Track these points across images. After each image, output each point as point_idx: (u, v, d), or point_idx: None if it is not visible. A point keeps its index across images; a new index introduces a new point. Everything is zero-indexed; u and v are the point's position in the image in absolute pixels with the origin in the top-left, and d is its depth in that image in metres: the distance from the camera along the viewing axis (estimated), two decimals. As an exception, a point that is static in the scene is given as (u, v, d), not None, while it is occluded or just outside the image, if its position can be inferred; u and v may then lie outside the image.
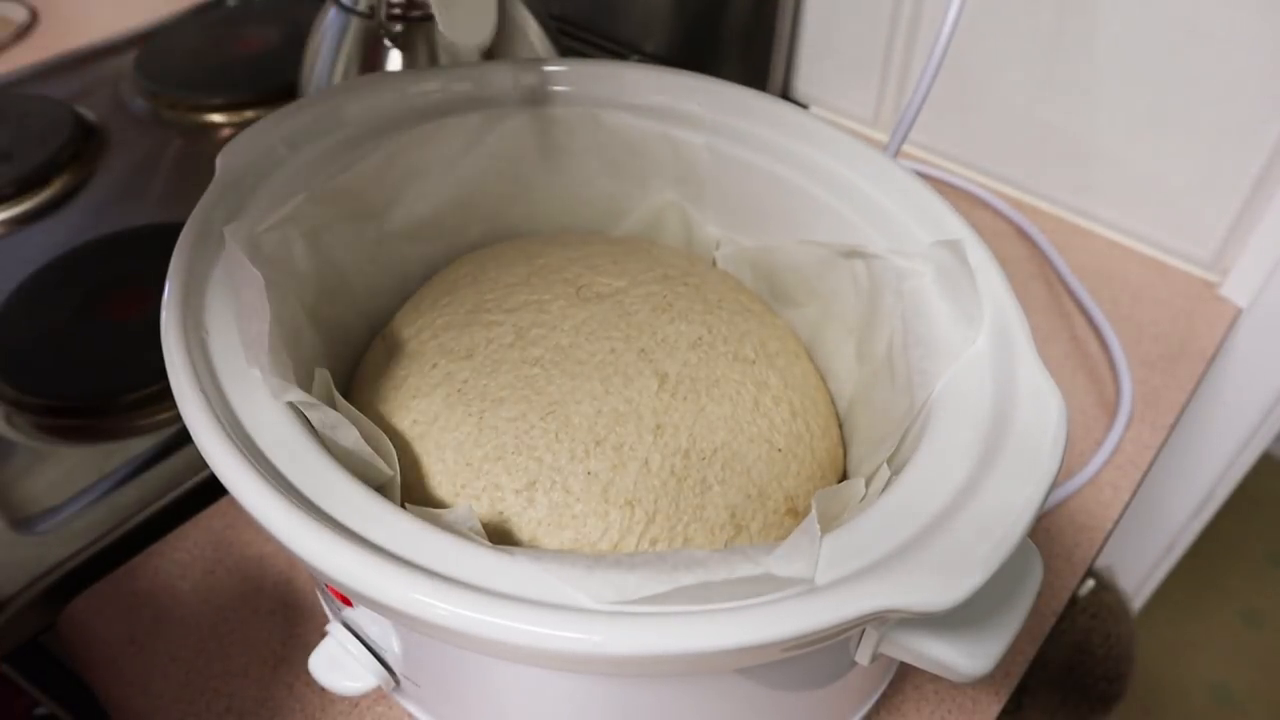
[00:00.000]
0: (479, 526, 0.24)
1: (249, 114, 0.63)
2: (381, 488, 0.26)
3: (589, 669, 0.23)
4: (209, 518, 0.40)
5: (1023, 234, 0.56)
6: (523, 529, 0.26)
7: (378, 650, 0.28)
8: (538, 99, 0.35)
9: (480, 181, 0.35)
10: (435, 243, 0.36)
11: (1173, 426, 0.46)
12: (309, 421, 0.25)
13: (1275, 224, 0.48)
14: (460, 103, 0.35)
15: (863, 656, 0.25)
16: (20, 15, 0.75)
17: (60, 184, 0.57)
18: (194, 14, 0.73)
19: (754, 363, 0.31)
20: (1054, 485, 0.23)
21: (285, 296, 0.28)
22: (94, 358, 0.45)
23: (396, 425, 0.29)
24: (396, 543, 0.21)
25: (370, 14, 0.51)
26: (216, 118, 0.63)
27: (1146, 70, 0.49)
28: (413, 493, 0.28)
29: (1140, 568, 0.71)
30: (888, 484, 0.25)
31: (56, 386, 0.43)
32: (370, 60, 0.52)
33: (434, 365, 0.30)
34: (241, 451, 0.22)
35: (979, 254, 0.29)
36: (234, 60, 0.66)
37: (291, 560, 0.39)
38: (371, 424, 0.26)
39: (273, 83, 0.63)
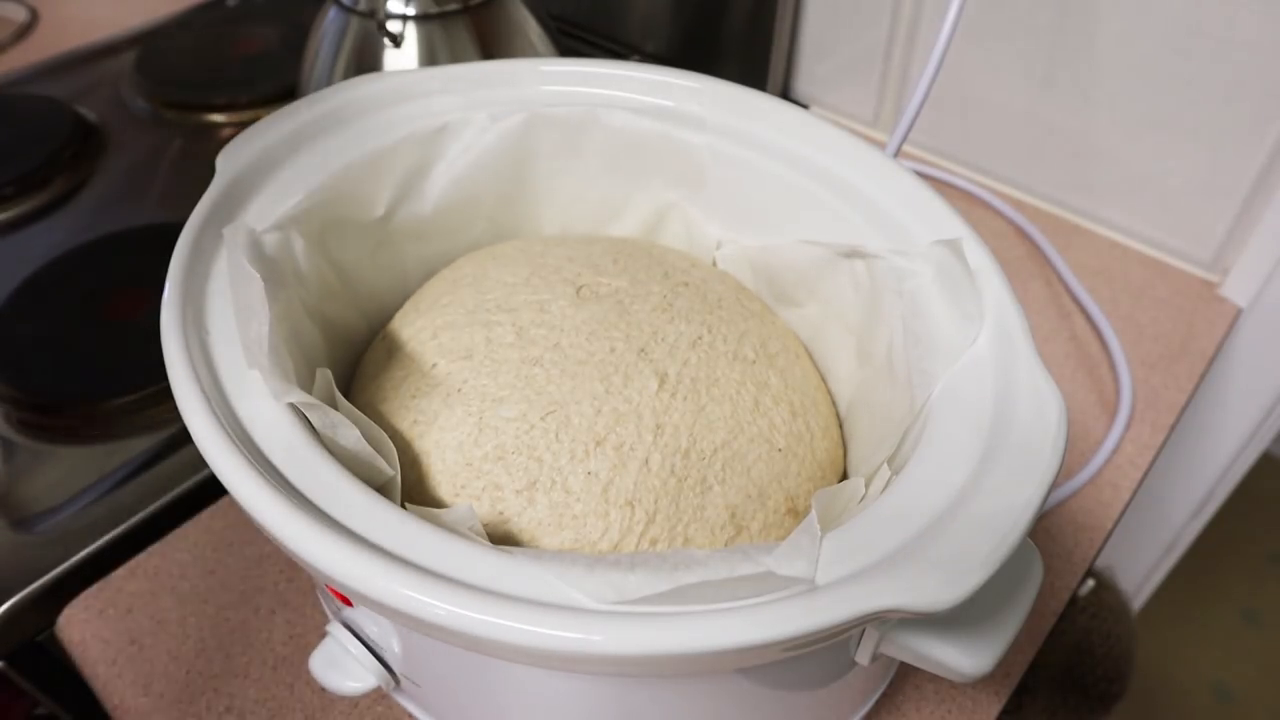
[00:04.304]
0: (479, 526, 0.24)
1: (249, 114, 0.63)
2: (382, 488, 0.26)
3: (589, 669, 0.23)
4: (209, 518, 0.40)
5: (1023, 234, 0.56)
6: (523, 529, 0.26)
7: (378, 650, 0.28)
8: (538, 99, 0.36)
9: (480, 181, 0.35)
10: (435, 243, 0.36)
11: (1173, 426, 0.46)
12: (309, 421, 0.25)
13: (1275, 224, 0.48)
14: (460, 102, 0.35)
15: (863, 656, 0.25)
16: (20, 15, 0.75)
17: (60, 184, 0.57)
18: (194, 14, 0.73)
19: (754, 363, 0.31)
20: (1054, 485, 0.23)
21: (285, 296, 0.28)
22: (94, 358, 0.45)
23: (396, 425, 0.29)
24: (396, 543, 0.21)
25: (370, 14, 0.52)
26: (216, 118, 0.63)
27: (1146, 70, 0.49)
28: (413, 493, 0.28)
29: (1140, 568, 0.71)
30: (888, 484, 0.25)
31: (57, 386, 0.43)
32: (370, 60, 0.52)
33: (434, 365, 0.30)
34: (241, 451, 0.22)
35: (979, 254, 0.29)
36: (234, 60, 0.67)
37: (291, 560, 0.39)
38: (372, 424, 0.26)
39: (273, 83, 0.64)
